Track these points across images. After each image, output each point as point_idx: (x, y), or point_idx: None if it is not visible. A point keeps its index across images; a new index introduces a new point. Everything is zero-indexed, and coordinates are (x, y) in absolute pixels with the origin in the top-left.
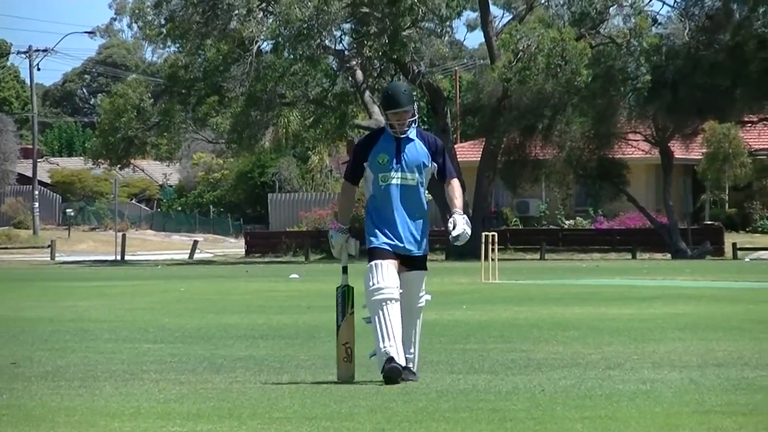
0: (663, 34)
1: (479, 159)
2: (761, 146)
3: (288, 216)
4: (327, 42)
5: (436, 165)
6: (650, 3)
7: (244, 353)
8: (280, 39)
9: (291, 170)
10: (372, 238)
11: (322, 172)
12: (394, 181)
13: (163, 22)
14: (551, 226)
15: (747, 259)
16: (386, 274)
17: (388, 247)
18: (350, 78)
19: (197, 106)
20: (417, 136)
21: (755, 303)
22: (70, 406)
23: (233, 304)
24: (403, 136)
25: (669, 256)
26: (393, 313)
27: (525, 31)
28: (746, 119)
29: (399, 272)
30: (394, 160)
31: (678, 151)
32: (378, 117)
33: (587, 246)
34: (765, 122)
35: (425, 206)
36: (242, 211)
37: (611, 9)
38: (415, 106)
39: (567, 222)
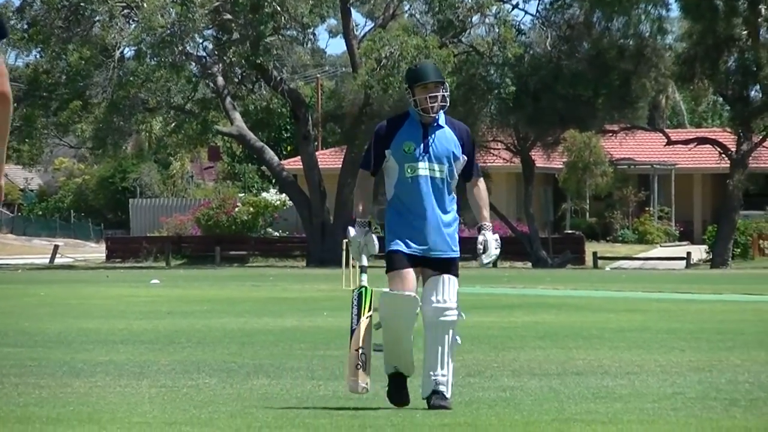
0: (526, 44)
1: (340, 166)
2: (622, 156)
3: (149, 221)
4: (189, 48)
5: (465, 158)
6: (513, 12)
7: (104, 358)
8: (142, 45)
9: (152, 176)
10: (392, 240)
11: (183, 177)
12: (422, 172)
13: (26, 26)
14: None
15: (607, 269)
16: (405, 285)
17: (408, 252)
18: (212, 84)
19: (59, 111)
20: (446, 123)
21: (615, 312)
22: None
23: (94, 308)
24: (432, 117)
25: (530, 264)
26: (409, 336)
27: (388, 39)
28: (607, 128)
29: (426, 277)
30: (422, 149)
31: (539, 160)
32: (240, 123)
33: None
34: (626, 132)
35: (455, 203)
36: (103, 216)
37: (474, 18)
38: (446, 86)
39: None
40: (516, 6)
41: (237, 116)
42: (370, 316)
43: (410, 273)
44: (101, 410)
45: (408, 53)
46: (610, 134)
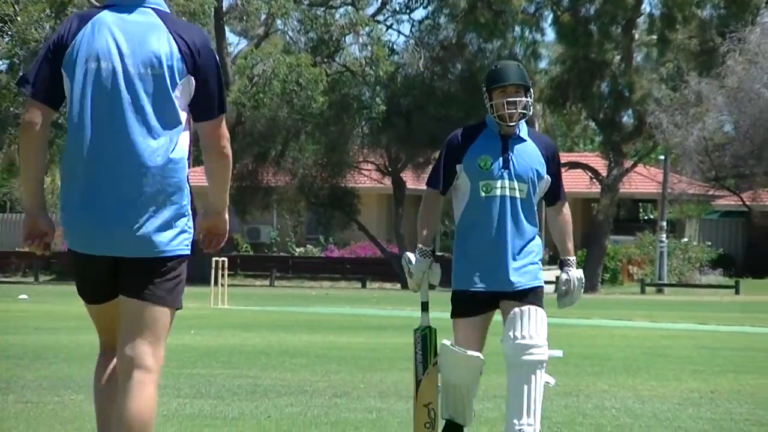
0: (399, 64)
1: None
2: None
3: (19, 236)
4: None
5: (549, 178)
6: (387, 32)
7: None
8: (15, 59)
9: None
10: (465, 274)
11: (54, 193)
12: (499, 192)
13: None
14: (282, 253)
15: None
16: (468, 343)
17: (481, 288)
18: None
19: None
20: (529, 136)
21: None
22: None
23: None
24: (512, 125)
25: (399, 285)
26: (470, 394)
27: (261, 57)
28: None
29: (506, 310)
30: (500, 164)
31: (410, 181)
32: None
33: (317, 274)
34: None
35: (537, 227)
36: None
37: (348, 37)
38: (531, 93)
39: (298, 249)
40: (390, 26)
41: None
42: (436, 362)
43: (477, 323)
44: None
45: (281, 71)
46: None
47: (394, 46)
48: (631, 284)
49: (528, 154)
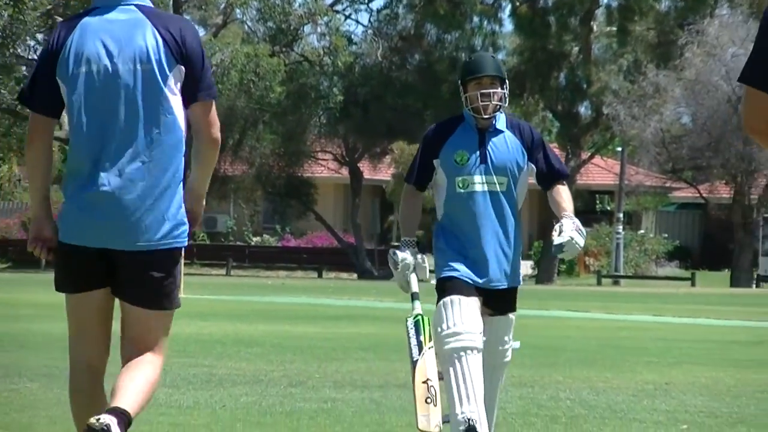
0: (357, 54)
1: None
2: None
3: None
4: (20, 51)
5: (533, 165)
6: (346, 22)
7: None
8: None
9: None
10: (445, 266)
11: (10, 181)
12: (478, 187)
13: None
14: (238, 243)
15: (433, 282)
16: (466, 315)
17: (468, 279)
18: None
19: None
20: (507, 127)
21: None
22: None
23: None
24: (487, 118)
25: (355, 275)
26: (474, 367)
27: (219, 46)
28: None
29: (482, 314)
30: (477, 159)
31: (367, 171)
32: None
33: (274, 263)
34: None
35: (519, 223)
36: None
37: (306, 26)
38: (506, 85)
39: (254, 239)
40: (348, 16)
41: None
42: (432, 346)
43: (474, 299)
44: None
45: (238, 62)
46: None
47: (353, 36)
48: (588, 276)
49: (506, 146)
